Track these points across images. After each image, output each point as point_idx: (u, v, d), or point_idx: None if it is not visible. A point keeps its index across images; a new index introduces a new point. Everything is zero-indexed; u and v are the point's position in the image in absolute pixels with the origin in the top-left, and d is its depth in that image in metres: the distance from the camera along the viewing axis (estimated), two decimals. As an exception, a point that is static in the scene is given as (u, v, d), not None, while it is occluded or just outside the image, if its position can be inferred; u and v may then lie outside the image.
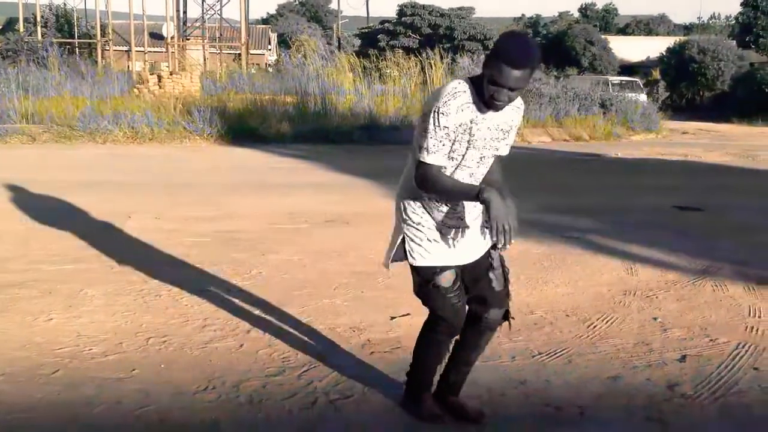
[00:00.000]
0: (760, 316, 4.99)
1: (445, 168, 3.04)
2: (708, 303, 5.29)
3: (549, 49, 49.36)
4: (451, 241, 3.17)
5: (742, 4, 52.71)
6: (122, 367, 3.96)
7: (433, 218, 3.16)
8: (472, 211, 3.18)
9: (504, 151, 3.21)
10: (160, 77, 21.61)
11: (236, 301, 5.15)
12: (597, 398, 3.73)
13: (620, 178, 12.37)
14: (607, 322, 4.86)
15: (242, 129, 15.81)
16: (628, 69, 48.36)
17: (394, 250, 3.25)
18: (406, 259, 3.21)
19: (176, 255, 6.31)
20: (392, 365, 4.04)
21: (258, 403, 3.59)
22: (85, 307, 4.90)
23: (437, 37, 45.97)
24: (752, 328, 4.78)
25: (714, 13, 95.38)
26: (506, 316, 3.39)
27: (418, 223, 3.17)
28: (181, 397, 3.64)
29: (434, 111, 2.91)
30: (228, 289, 5.41)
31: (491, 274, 3.26)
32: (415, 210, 3.17)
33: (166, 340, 4.38)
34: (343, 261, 6.22)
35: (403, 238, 3.20)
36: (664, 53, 45.38)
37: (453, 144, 2.99)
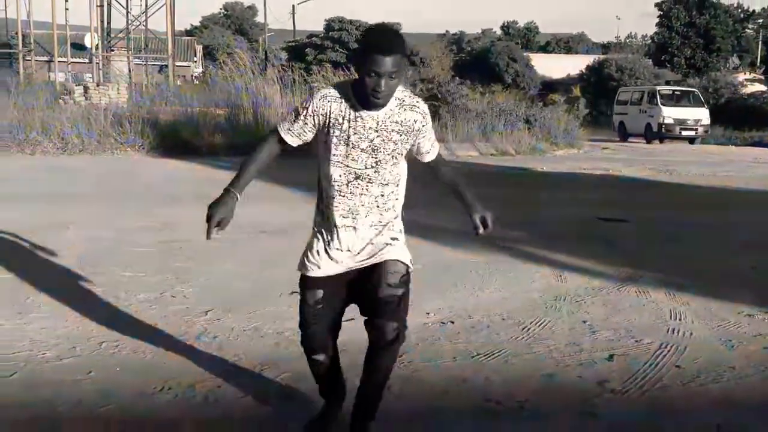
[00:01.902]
0: (680, 319, 5.34)
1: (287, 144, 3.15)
2: (633, 307, 5.63)
3: (473, 64, 50.39)
4: (339, 247, 3.15)
5: (657, 24, 54.68)
6: (78, 370, 4.06)
7: (330, 221, 3.15)
8: (363, 212, 3.13)
9: (428, 157, 3.28)
10: (86, 88, 21.35)
11: (185, 307, 5.27)
12: (534, 394, 3.98)
13: (547, 192, 12.83)
14: (540, 325, 5.15)
15: (174, 141, 15.81)
16: (549, 85, 49.64)
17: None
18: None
19: (120, 264, 6.39)
20: (341, 366, 4.22)
21: (214, 402, 3.74)
22: (34, 314, 4.97)
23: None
24: (674, 329, 5.12)
25: (631, 33, 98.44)
26: (397, 335, 3.19)
27: (318, 226, 3.23)
28: (140, 397, 3.76)
29: (308, 96, 3.14)
30: (174, 296, 5.53)
31: (384, 280, 3.13)
32: (317, 209, 3.25)
33: (118, 344, 4.48)
34: (286, 270, 6.36)
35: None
36: (584, 71, 46.83)
37: (324, 135, 3.06)
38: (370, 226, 3.15)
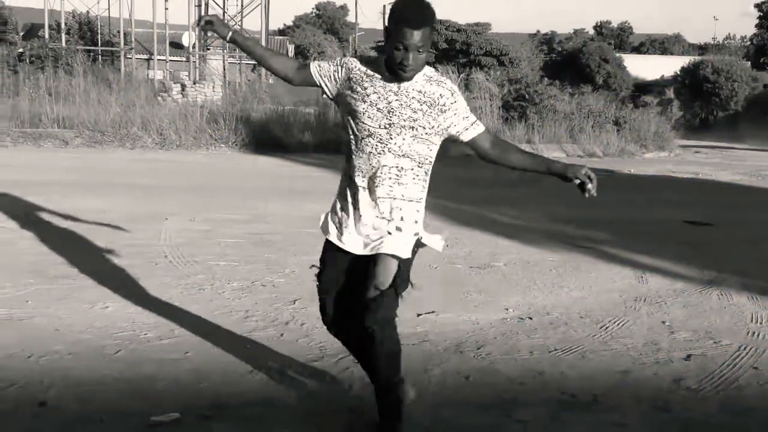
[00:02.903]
0: (761, 322, 5.34)
1: (303, 71, 3.24)
2: (713, 309, 5.65)
3: (563, 65, 49.87)
4: (348, 217, 3.21)
5: (757, 26, 52.99)
6: (177, 350, 4.36)
7: (348, 173, 3.22)
8: (372, 176, 3.14)
9: (472, 132, 3.17)
10: (183, 86, 22.11)
11: (273, 296, 5.54)
12: (608, 389, 4.09)
13: (633, 194, 12.74)
14: (618, 324, 5.23)
15: (266, 138, 16.28)
16: (641, 87, 48.71)
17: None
18: None
19: (214, 254, 6.73)
20: (420, 356, 4.41)
21: (301, 385, 3.98)
22: (136, 298, 5.31)
23: (453, 52, 46.42)
24: (754, 332, 5.13)
25: (729, 34, 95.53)
26: (372, 332, 3.19)
27: (340, 185, 3.31)
28: (232, 377, 4.03)
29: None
30: (264, 285, 5.81)
31: (373, 275, 3.15)
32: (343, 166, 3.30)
33: (212, 328, 4.78)
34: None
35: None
36: (679, 72, 45.76)
37: (346, 90, 3.13)
38: (379, 198, 3.13)
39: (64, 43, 32.86)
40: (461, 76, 22.35)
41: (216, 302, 5.32)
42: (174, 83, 22.78)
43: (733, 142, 30.23)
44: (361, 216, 3.17)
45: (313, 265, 3.50)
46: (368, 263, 3.18)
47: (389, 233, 3.14)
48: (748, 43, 61.61)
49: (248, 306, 5.27)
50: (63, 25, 35.87)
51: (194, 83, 23.06)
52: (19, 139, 15.38)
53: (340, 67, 3.19)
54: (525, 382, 4.14)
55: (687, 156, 22.16)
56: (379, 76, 3.10)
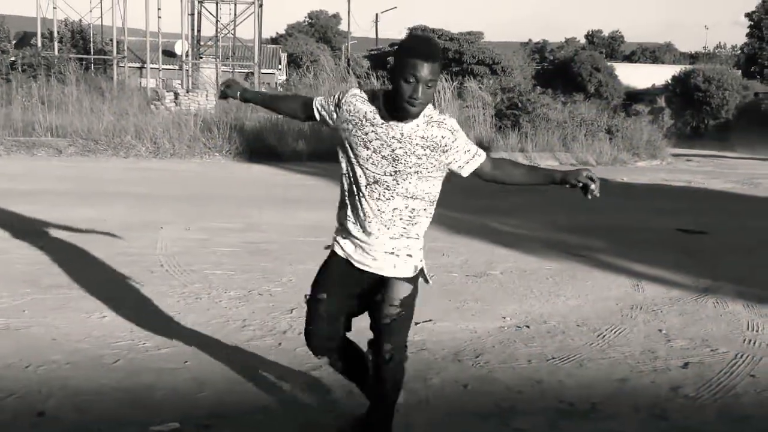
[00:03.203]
0: (757, 330, 5.37)
1: (311, 109, 3.23)
2: (709, 317, 5.67)
3: (555, 74, 50.01)
4: (353, 249, 3.18)
5: (747, 35, 53.31)
6: (175, 359, 4.35)
7: (347, 220, 3.18)
8: (381, 220, 3.10)
9: (468, 168, 3.14)
10: (176, 94, 22.11)
11: (270, 305, 5.54)
12: (607, 397, 4.10)
13: (627, 202, 12.76)
14: (615, 332, 5.24)
15: (260, 147, 16.30)
16: (633, 96, 48.91)
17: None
18: None
19: (210, 263, 6.72)
20: (419, 364, 4.40)
21: (302, 393, 3.98)
22: (134, 307, 5.30)
23: (446, 60, 46.49)
24: (750, 340, 5.15)
25: (720, 43, 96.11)
26: (391, 356, 3.17)
27: (338, 223, 3.26)
28: (231, 386, 4.03)
29: (342, 91, 3.17)
30: (261, 294, 5.81)
31: (384, 301, 3.15)
32: (339, 206, 3.25)
33: (210, 337, 4.77)
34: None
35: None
36: (670, 81, 45.98)
37: (344, 132, 3.08)
38: (390, 238, 3.12)
39: (56, 52, 32.82)
40: (454, 84, 22.39)
41: (213, 311, 5.31)
42: (167, 92, 22.77)
43: (725, 151, 30.38)
44: (371, 250, 3.14)
45: (328, 246, 3.36)
46: (378, 287, 3.17)
47: (398, 257, 3.14)
48: (739, 51, 61.95)
49: (245, 315, 5.26)
50: (56, 34, 35.84)
51: (187, 92, 23.06)
52: (12, 147, 15.36)
53: (337, 108, 3.13)
54: (523, 391, 4.15)
55: (679, 164, 22.25)
56: (380, 120, 3.02)
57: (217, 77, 35.28)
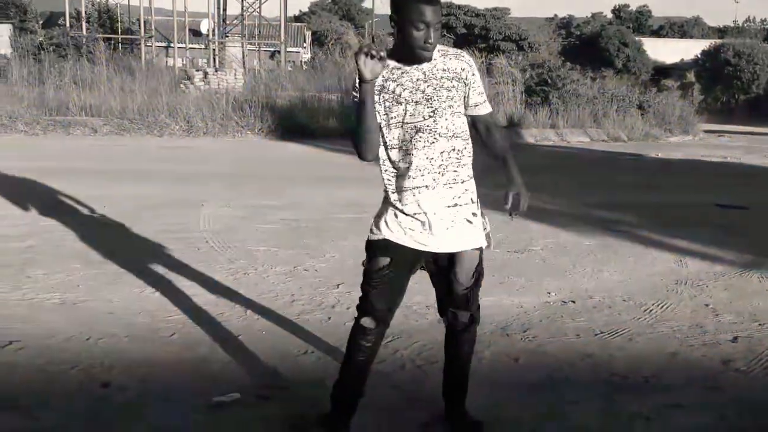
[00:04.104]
0: (804, 304, 5.35)
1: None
2: (755, 292, 5.66)
3: (582, 49, 49.55)
4: (411, 217, 3.06)
5: (778, 8, 52.36)
6: (227, 333, 4.43)
7: (400, 186, 3.07)
8: (434, 168, 3.03)
9: (479, 109, 3.12)
10: (206, 73, 22.17)
11: (317, 280, 5.60)
12: (659, 370, 4.11)
13: (662, 178, 12.70)
14: (662, 307, 5.24)
15: (291, 125, 16.32)
16: (661, 71, 48.35)
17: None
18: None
19: (254, 239, 6.78)
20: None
21: (354, 366, 4.03)
22: (183, 282, 5.38)
23: (473, 37, 46.26)
24: (798, 314, 5.14)
25: (749, 17, 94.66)
26: (472, 320, 3.30)
27: (387, 195, 3.13)
28: (287, 359, 4.09)
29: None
30: (307, 270, 5.87)
31: (454, 272, 3.18)
32: (385, 179, 3.13)
33: (261, 311, 4.83)
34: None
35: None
36: (699, 56, 45.38)
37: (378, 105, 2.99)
38: (445, 185, 3.04)
39: (84, 32, 33.02)
40: (481, 61, 22.27)
41: (261, 286, 5.38)
42: (195, 71, 22.83)
43: (757, 126, 29.97)
44: (430, 214, 3.04)
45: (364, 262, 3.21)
46: (444, 257, 3.15)
47: (468, 221, 3.11)
48: (769, 25, 61.02)
49: (293, 290, 5.32)
50: (83, 14, 36.05)
51: (216, 71, 23.11)
52: (49, 126, 15.51)
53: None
54: (574, 364, 4.18)
55: (711, 140, 22.02)
56: (399, 72, 3.00)
57: (243, 56, 35.36)
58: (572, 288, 5.66)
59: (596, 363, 4.21)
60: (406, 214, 3.06)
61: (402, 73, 2.99)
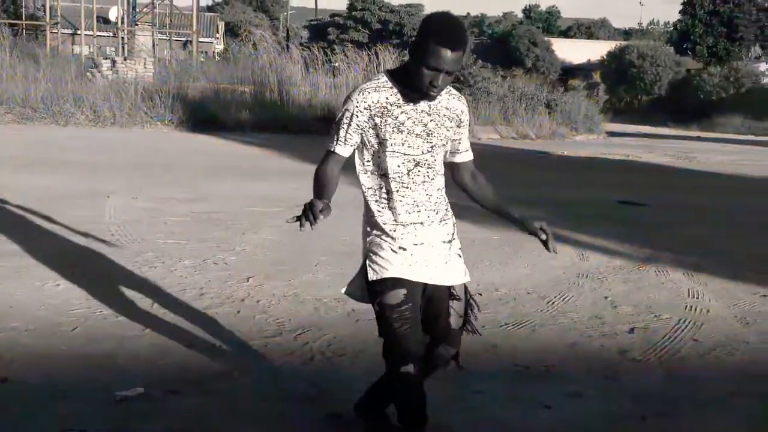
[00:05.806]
0: (698, 297, 5.59)
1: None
2: (652, 285, 5.89)
3: (493, 48, 50.42)
4: (411, 251, 2.89)
5: (680, 12, 54.33)
6: (134, 327, 4.37)
7: (393, 220, 2.90)
8: (430, 205, 2.93)
9: (466, 156, 3.07)
10: (114, 62, 21.66)
11: (226, 273, 5.56)
12: (559, 360, 4.25)
13: (568, 175, 13.07)
14: (563, 299, 5.41)
15: (202, 116, 16.12)
16: (569, 71, 49.59)
17: (353, 279, 3.07)
18: (360, 299, 3.07)
19: (161, 232, 6.69)
20: (366, 335, 4.45)
21: (263, 358, 4.04)
22: (87, 275, 5.27)
23: (387, 32, 46.48)
24: (691, 306, 5.37)
25: (653, 20, 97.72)
26: (456, 356, 3.20)
27: (380, 229, 2.91)
28: (194, 353, 4.06)
29: (346, 98, 2.86)
30: (216, 263, 5.83)
31: (451, 306, 3.07)
32: (376, 211, 2.92)
33: (168, 305, 4.78)
34: (320, 242, 6.66)
35: (363, 266, 2.97)
36: (605, 57, 46.73)
37: (372, 129, 2.83)
38: (440, 222, 2.97)
39: (-15, 17, 31.79)
40: (395, 57, 22.39)
41: (168, 280, 5.32)
42: (104, 59, 22.27)
43: (658, 126, 31.10)
44: (428, 248, 2.93)
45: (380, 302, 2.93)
46: (431, 297, 3.01)
47: (459, 256, 3.07)
48: (672, 28, 63.07)
49: (201, 284, 5.28)
50: (-16, -2, 34.71)
51: (125, 59, 22.59)
52: (-54, 115, 14.94)
53: (355, 116, 2.81)
54: (479, 355, 4.27)
55: (615, 139, 22.74)
56: (404, 99, 2.82)
57: (153, 45, 34.62)
58: (479, 281, 5.76)
59: (500, 353, 4.32)
60: (404, 249, 2.89)
61: (408, 100, 2.83)
